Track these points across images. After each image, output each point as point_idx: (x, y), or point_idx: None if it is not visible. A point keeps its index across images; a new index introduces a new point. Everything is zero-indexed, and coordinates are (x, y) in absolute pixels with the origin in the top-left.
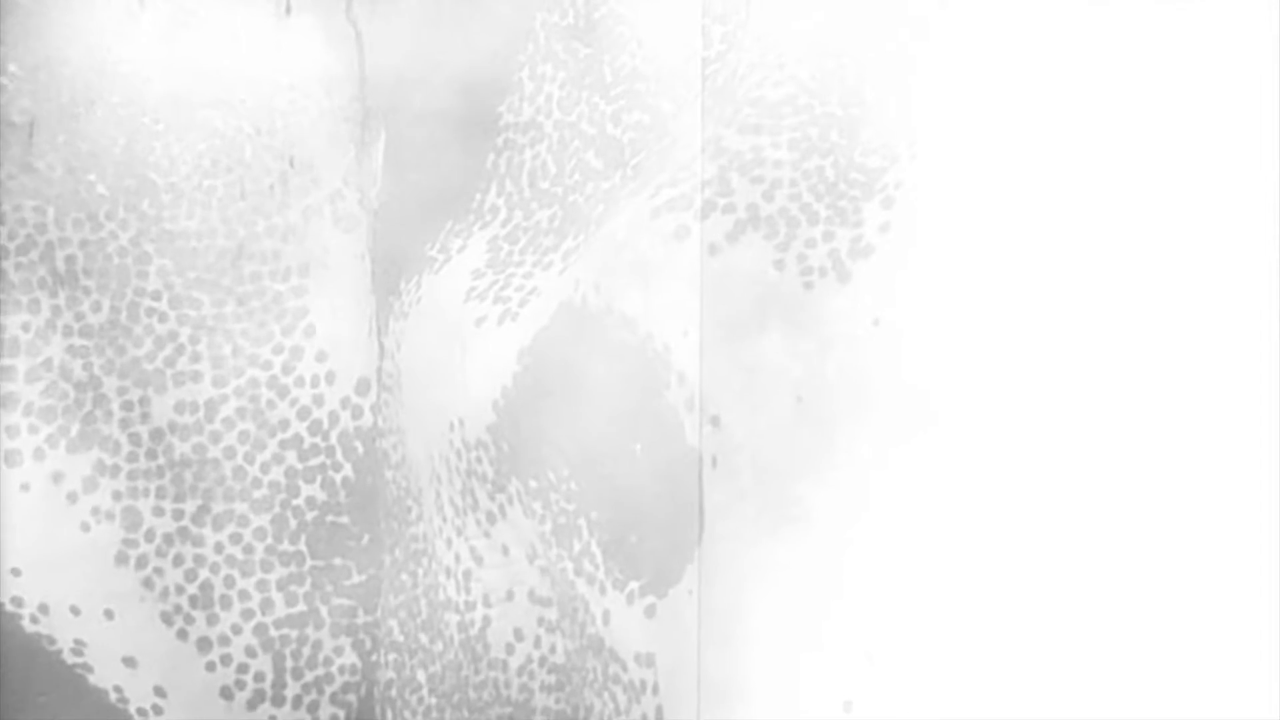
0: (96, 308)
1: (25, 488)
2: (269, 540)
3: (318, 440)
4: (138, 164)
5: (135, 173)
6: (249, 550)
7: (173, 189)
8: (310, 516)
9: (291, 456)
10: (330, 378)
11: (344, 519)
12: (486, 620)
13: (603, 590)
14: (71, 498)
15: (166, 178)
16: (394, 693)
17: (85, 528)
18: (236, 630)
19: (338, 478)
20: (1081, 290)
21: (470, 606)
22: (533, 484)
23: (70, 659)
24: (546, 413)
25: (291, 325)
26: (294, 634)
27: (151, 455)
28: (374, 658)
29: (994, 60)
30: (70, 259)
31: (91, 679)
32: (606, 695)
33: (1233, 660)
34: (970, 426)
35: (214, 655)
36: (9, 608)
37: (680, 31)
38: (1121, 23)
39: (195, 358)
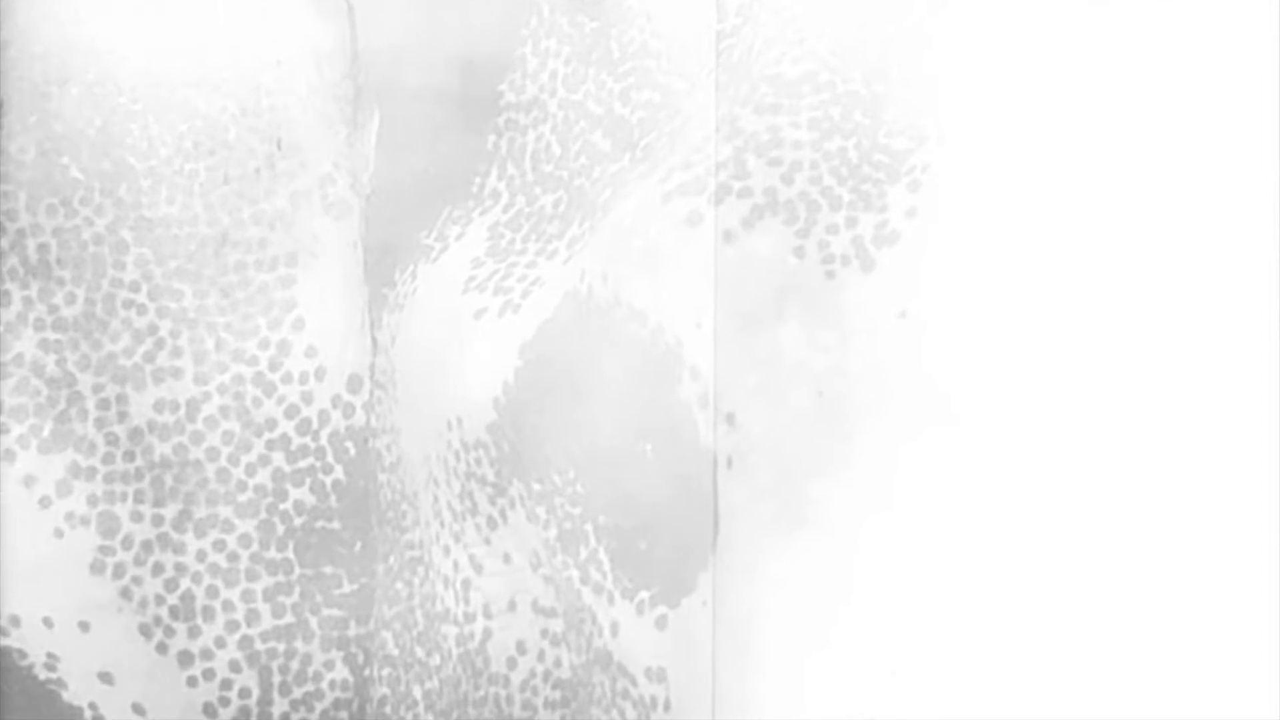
0: (71, 300)
1: None
2: (255, 547)
3: (307, 441)
4: (114, 146)
5: (111, 155)
6: (233, 558)
7: (152, 173)
8: (299, 522)
9: (279, 458)
10: (320, 374)
11: (335, 524)
12: (487, 632)
13: (611, 600)
14: (44, 502)
15: (145, 161)
16: (388, 709)
17: (59, 534)
18: (220, 643)
19: (328, 480)
20: (1124, 284)
21: (469, 618)
22: (536, 487)
23: (43, 674)
24: (550, 411)
25: (279, 318)
26: (281, 647)
27: (129, 457)
28: (367, 672)
29: (1025, 39)
30: (43, 247)
31: (65, 695)
32: (615, 712)
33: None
34: (1000, 423)
35: (196, 670)
36: None
37: (693, 4)
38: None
39: (176, 353)
